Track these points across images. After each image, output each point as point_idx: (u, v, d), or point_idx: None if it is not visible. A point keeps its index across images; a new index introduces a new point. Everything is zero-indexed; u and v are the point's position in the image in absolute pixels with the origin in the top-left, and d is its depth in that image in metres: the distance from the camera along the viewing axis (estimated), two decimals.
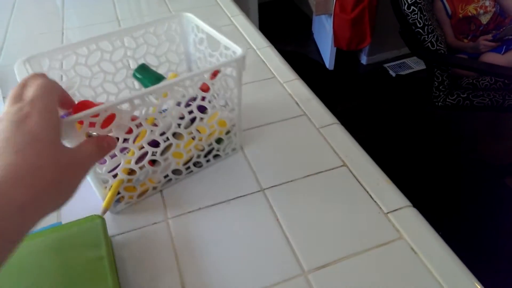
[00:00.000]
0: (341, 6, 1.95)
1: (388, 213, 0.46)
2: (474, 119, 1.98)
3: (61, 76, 0.50)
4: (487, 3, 1.57)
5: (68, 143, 0.36)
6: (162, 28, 0.54)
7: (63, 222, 0.45)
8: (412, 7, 1.49)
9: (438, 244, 0.42)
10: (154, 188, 0.49)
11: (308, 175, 0.51)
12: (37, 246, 0.38)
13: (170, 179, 0.50)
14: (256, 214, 0.47)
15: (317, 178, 0.50)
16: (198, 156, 0.51)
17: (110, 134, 0.38)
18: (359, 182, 0.50)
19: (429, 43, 1.54)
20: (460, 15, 1.61)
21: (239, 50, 0.45)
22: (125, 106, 0.38)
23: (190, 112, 0.44)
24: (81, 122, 0.36)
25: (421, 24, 1.50)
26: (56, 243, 0.39)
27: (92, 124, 0.37)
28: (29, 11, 0.96)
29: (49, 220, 0.46)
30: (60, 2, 1.00)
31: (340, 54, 2.34)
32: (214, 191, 0.50)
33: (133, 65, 0.54)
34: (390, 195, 0.48)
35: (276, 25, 2.91)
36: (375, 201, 0.47)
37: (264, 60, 0.74)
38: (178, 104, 0.43)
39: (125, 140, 0.40)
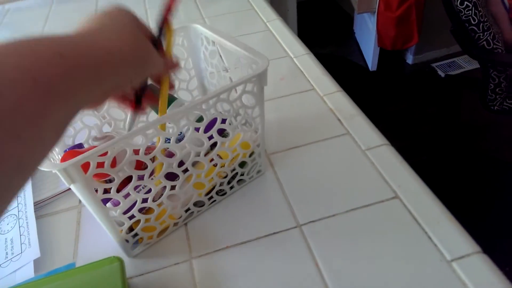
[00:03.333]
0: (385, 3, 1.83)
1: (452, 260, 0.37)
2: None
3: None
4: None
5: (75, 187, 0.31)
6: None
7: (77, 265, 0.40)
8: (465, 2, 1.36)
9: None
10: (175, 224, 0.43)
11: (352, 209, 0.43)
12: None
13: (192, 212, 0.44)
14: (292, 256, 0.40)
15: (363, 213, 0.43)
16: (221, 184, 0.45)
17: (121, 174, 0.33)
18: (415, 219, 0.41)
19: (484, 42, 1.40)
20: None
21: (259, 63, 0.39)
22: (137, 138, 0.33)
23: (210, 137, 0.38)
24: (86, 165, 0.31)
25: (476, 21, 1.36)
26: None
27: (100, 165, 0.32)
28: (67, 6, 0.95)
29: (65, 259, 0.42)
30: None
31: (384, 54, 2.20)
32: (243, 224, 0.43)
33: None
34: (454, 237, 0.39)
35: (316, 25, 2.81)
36: (435, 245, 0.39)
37: (302, 69, 0.67)
38: (197, 129, 0.37)
39: (139, 176, 0.35)
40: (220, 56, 0.47)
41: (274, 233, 0.42)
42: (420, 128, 1.79)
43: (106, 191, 0.34)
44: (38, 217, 0.46)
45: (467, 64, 2.26)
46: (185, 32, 0.49)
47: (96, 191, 0.33)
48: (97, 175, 0.32)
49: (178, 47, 0.49)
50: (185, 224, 0.44)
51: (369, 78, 2.23)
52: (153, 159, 0.35)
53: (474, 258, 0.37)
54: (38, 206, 0.47)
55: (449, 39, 2.20)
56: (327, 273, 0.38)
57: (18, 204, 0.47)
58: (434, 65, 2.26)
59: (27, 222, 0.44)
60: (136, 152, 0.34)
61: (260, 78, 0.39)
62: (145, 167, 0.35)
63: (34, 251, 0.42)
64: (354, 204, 0.44)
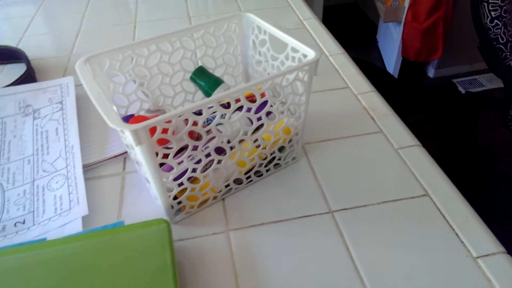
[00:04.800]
0: (413, 14, 1.84)
1: (478, 257, 0.39)
2: None
3: (117, 76, 0.48)
4: None
5: (140, 148, 0.34)
6: (220, 29, 0.51)
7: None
8: (495, 20, 1.36)
9: None
10: (215, 197, 0.46)
11: (383, 202, 0.45)
12: (98, 245, 0.37)
13: (230, 189, 0.47)
14: (323, 238, 0.42)
15: (394, 206, 0.45)
16: (260, 165, 0.47)
17: (181, 143, 0.36)
18: (443, 216, 0.43)
19: (511, 61, 1.41)
20: None
21: (311, 53, 0.41)
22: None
23: (258, 118, 0.41)
24: (153, 129, 0.33)
25: (504, 40, 1.37)
26: (119, 244, 0.37)
27: (164, 131, 0.34)
28: (104, 3, 0.98)
29: (110, 219, 0.45)
30: None
31: (405, 65, 2.21)
32: (276, 205, 0.46)
33: (190, 68, 0.51)
34: (480, 236, 0.41)
35: (339, 30, 2.82)
36: (462, 241, 0.41)
37: (337, 67, 0.69)
38: (248, 110, 0.40)
39: (190, 147, 0.38)
40: (269, 45, 0.49)
41: (307, 216, 0.45)
42: (436, 142, 1.80)
43: (164, 156, 0.36)
44: (84, 180, 0.49)
45: (488, 83, 2.26)
46: (238, 19, 0.51)
47: (157, 154, 0.36)
48: (159, 140, 0.35)
49: (230, 33, 0.52)
50: (223, 199, 0.47)
51: (393, 85, 2.24)
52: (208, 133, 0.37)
53: (499, 257, 0.39)
54: (84, 169, 0.50)
55: (472, 56, 2.21)
56: (357, 256, 0.40)
57: (67, 165, 0.50)
58: (455, 80, 2.27)
59: (75, 182, 0.47)
60: (195, 124, 0.36)
61: (312, 68, 0.41)
62: (198, 139, 0.38)
63: (82, 208, 0.44)
64: (385, 197, 0.46)
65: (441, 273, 0.38)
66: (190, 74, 0.51)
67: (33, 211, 0.45)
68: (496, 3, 1.31)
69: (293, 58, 0.45)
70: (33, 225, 0.44)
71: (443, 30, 1.87)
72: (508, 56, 1.40)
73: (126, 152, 0.53)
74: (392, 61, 2.23)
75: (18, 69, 0.72)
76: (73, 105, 0.58)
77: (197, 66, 0.51)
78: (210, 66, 0.52)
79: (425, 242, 0.41)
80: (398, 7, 2.05)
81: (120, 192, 0.48)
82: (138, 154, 0.36)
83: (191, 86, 0.53)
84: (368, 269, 0.39)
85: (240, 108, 0.39)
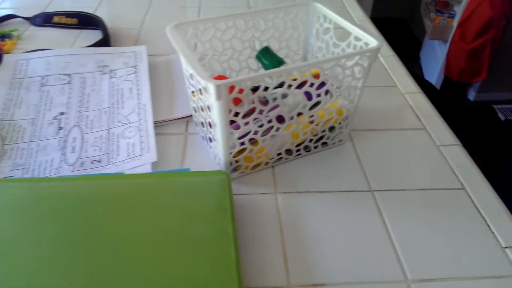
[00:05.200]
0: (462, 34, 1.84)
1: (506, 247, 0.43)
2: None
3: (195, 45, 0.54)
4: None
5: (218, 103, 0.39)
6: (289, 15, 0.56)
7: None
8: None
9: None
10: (266, 163, 0.51)
11: (421, 189, 0.49)
12: (168, 183, 0.42)
13: (281, 158, 0.52)
14: (362, 212, 0.46)
15: (431, 194, 0.49)
16: (310, 141, 0.52)
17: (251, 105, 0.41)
18: (477, 209, 0.47)
19: None
20: None
21: (374, 42, 0.46)
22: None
23: (318, 95, 0.46)
24: (232, 88, 0.39)
25: None
26: (186, 185, 0.42)
27: (240, 91, 0.40)
28: None
29: (176, 166, 0.51)
30: None
31: (446, 85, 2.20)
32: (321, 178, 0.50)
33: (257, 47, 0.57)
34: (510, 230, 0.44)
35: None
36: (493, 232, 0.44)
37: (387, 68, 0.73)
38: (311, 85, 0.45)
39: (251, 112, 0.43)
40: (333, 33, 0.54)
41: (348, 191, 0.49)
42: None
43: (235, 115, 0.42)
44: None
45: None
46: (306, 8, 0.56)
47: (230, 111, 0.41)
48: (234, 99, 0.40)
49: (297, 19, 0.57)
50: (273, 167, 0.52)
51: (435, 99, 2.23)
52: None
53: None
54: (153, 125, 0.56)
55: None
56: (393, 231, 0.44)
57: (139, 119, 0.56)
58: (496, 106, 2.24)
59: (147, 134, 0.54)
60: (265, 89, 0.42)
61: (373, 54, 0.45)
62: (264, 104, 0.43)
63: (152, 155, 0.50)
64: (424, 185, 0.50)
65: (470, 255, 0.42)
66: (256, 53, 0.56)
67: (108, 153, 0.52)
68: None
69: (355, 46, 0.50)
70: (108, 164, 0.50)
71: (490, 53, 1.86)
72: None
73: (189, 116, 0.58)
74: (433, 79, 2.22)
75: (94, 35, 0.80)
76: (146, 70, 0.65)
77: (263, 46, 0.56)
78: (274, 47, 0.58)
79: (457, 228, 0.45)
80: (446, 25, 2.05)
81: (182, 148, 0.54)
82: (214, 109, 0.41)
83: (254, 64, 0.59)
84: (402, 242, 0.43)
85: (303, 83, 0.44)
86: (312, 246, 0.42)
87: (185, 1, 0.98)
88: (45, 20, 0.83)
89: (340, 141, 0.55)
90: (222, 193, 0.42)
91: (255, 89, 0.45)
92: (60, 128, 0.55)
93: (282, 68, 0.41)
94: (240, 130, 0.44)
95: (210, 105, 0.42)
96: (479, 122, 2.13)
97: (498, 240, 0.43)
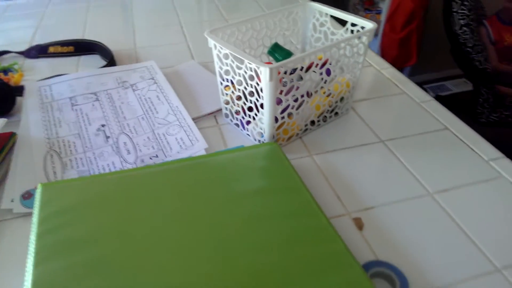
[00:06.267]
0: (391, 26, 2.10)
1: (489, 160, 0.57)
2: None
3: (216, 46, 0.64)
4: None
5: (269, 84, 0.50)
6: (291, 14, 0.68)
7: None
8: (464, 28, 1.61)
9: None
10: (297, 134, 0.62)
11: (418, 133, 0.63)
12: (233, 157, 0.51)
13: (307, 129, 0.63)
14: (381, 156, 0.59)
15: (425, 136, 0.63)
16: (327, 112, 0.64)
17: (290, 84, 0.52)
18: (462, 141, 0.62)
19: (477, 62, 1.66)
20: (505, 43, 1.72)
21: (369, 24, 0.59)
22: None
23: (333, 71, 0.58)
24: (277, 70, 0.50)
25: (471, 44, 1.61)
26: (252, 155, 0.52)
27: (292, 72, 0.50)
28: (145, 7, 1.13)
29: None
30: (171, 3, 1.17)
31: None
32: (341, 139, 0.62)
33: (267, 43, 0.68)
34: (487, 146, 0.60)
35: None
36: (476, 152, 0.59)
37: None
38: (330, 63, 0.57)
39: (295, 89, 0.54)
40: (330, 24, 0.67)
41: (364, 144, 0.61)
42: None
43: (280, 93, 0.52)
44: None
45: (454, 87, 2.55)
46: (303, 7, 0.69)
47: (277, 90, 0.52)
48: (280, 80, 0.51)
49: (297, 17, 0.69)
50: (301, 137, 0.63)
51: None
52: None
53: (504, 159, 0.57)
54: None
55: (439, 65, 2.50)
56: (414, 170, 0.57)
57: (177, 118, 0.64)
58: (425, 86, 2.54)
59: (190, 128, 0.62)
60: (293, 72, 0.53)
61: (371, 34, 0.59)
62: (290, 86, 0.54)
63: (202, 143, 0.59)
64: (419, 130, 0.64)
65: (460, 171, 0.56)
66: (267, 49, 0.67)
67: (162, 149, 0.59)
68: (464, 13, 1.56)
69: (352, 31, 0.63)
70: (166, 157, 0.58)
71: (417, 40, 2.14)
72: (475, 58, 1.65)
73: (217, 110, 0.68)
74: None
75: (93, 59, 0.86)
76: (164, 79, 0.73)
77: (272, 43, 0.67)
78: (279, 43, 0.69)
79: (451, 159, 0.59)
80: (375, 21, 2.31)
81: (221, 137, 0.63)
82: (265, 89, 0.51)
83: (265, 58, 0.70)
84: (418, 170, 0.56)
85: (325, 63, 0.56)
86: (351, 185, 0.54)
87: (166, 19, 1.06)
88: (40, 51, 0.88)
89: (346, 110, 0.68)
90: (281, 156, 0.52)
91: (291, 73, 0.55)
92: (108, 137, 0.62)
93: (310, 51, 0.52)
94: (282, 104, 0.54)
95: (261, 88, 0.52)
96: None
97: (480, 156, 0.58)
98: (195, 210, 0.44)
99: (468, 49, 1.65)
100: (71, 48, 0.88)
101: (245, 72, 0.53)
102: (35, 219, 0.41)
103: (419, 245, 0.46)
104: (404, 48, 2.14)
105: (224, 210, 0.44)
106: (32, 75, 0.81)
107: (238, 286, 0.36)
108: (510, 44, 1.74)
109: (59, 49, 0.88)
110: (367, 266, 0.42)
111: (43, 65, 0.86)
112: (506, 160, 0.58)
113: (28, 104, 0.68)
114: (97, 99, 0.69)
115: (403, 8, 2.01)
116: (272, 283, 0.36)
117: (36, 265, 0.36)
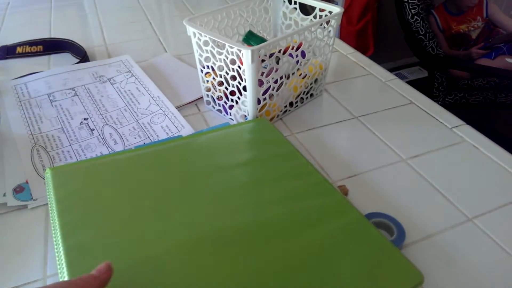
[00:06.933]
0: (347, 19, 2.19)
1: (452, 128, 0.64)
2: (467, 115, 2.20)
3: (195, 34, 0.66)
4: (479, 24, 1.81)
5: (252, 66, 0.53)
6: (262, 3, 0.72)
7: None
8: (415, 17, 1.72)
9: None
10: (277, 116, 0.65)
11: (387, 108, 0.68)
12: (222, 134, 0.54)
13: (286, 110, 0.67)
14: (357, 130, 0.64)
15: (394, 110, 0.68)
16: (303, 93, 0.68)
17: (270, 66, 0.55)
18: (426, 112, 0.68)
19: (430, 48, 1.77)
20: (453, 31, 1.84)
21: (336, 9, 0.64)
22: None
23: (307, 53, 0.62)
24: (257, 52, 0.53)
25: (423, 32, 1.72)
26: (245, 130, 0.55)
27: (271, 55, 0.54)
28: (111, 5, 1.13)
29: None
30: (136, 1, 1.17)
31: None
32: (319, 118, 0.66)
33: (241, 32, 0.71)
34: (450, 116, 0.66)
35: None
36: (441, 122, 0.65)
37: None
38: (305, 46, 0.61)
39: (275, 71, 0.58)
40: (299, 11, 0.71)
41: (341, 121, 0.66)
42: None
43: (261, 74, 0.56)
44: None
45: (410, 75, 2.70)
46: None
47: (258, 72, 0.55)
48: (261, 61, 0.54)
49: (266, 4, 0.72)
50: (281, 118, 0.66)
51: None
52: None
53: (465, 126, 0.64)
54: None
55: (394, 55, 2.64)
56: (388, 141, 0.62)
57: (160, 108, 0.66)
58: None
59: (174, 116, 0.64)
60: (271, 55, 0.56)
61: (338, 17, 0.63)
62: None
63: (189, 129, 0.61)
64: (387, 106, 0.69)
65: (428, 138, 0.62)
66: (242, 36, 0.70)
67: (149, 137, 0.61)
68: (414, 2, 1.67)
69: (320, 16, 0.67)
70: None
71: (372, 31, 2.25)
72: (427, 45, 1.76)
73: (197, 99, 0.70)
74: None
75: (64, 58, 0.85)
76: (142, 72, 0.74)
77: (246, 31, 0.70)
78: (253, 30, 0.72)
79: (419, 129, 0.65)
80: None
81: (205, 123, 0.65)
82: (247, 71, 0.54)
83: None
84: (392, 141, 0.61)
85: (299, 46, 0.60)
86: (333, 157, 0.58)
87: (133, 16, 1.06)
88: (8, 52, 0.86)
89: (320, 91, 0.72)
90: (272, 128, 0.56)
91: (270, 56, 0.59)
92: (92, 130, 0.62)
93: (287, 33, 0.56)
94: (264, 85, 0.58)
95: (243, 70, 0.55)
96: None
97: (444, 124, 0.64)
98: (202, 178, 0.47)
99: (421, 36, 1.75)
100: (40, 48, 0.86)
101: (226, 57, 0.56)
102: (51, 200, 0.43)
103: (400, 204, 0.50)
104: (361, 40, 2.24)
105: (229, 176, 0.48)
106: (3, 75, 0.79)
107: (247, 233, 0.40)
108: (457, 32, 1.87)
109: (28, 49, 0.86)
110: (366, 217, 0.46)
111: (13, 65, 0.84)
112: (467, 127, 0.64)
113: (5, 102, 0.67)
114: (75, 94, 0.69)
115: (357, 1, 2.10)
116: (280, 232, 0.40)
117: (65, 238, 0.38)
